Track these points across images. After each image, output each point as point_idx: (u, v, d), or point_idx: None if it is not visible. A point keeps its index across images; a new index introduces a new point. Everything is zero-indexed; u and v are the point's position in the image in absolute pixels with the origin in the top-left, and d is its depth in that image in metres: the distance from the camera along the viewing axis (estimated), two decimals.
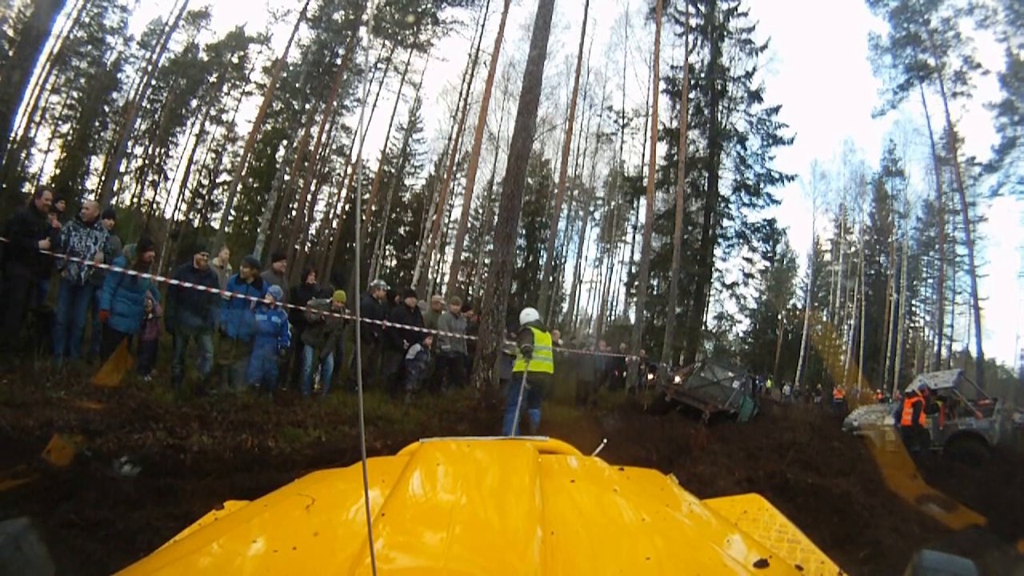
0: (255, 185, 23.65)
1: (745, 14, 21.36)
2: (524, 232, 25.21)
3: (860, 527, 3.96)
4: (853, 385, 21.91)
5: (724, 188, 21.57)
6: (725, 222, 21.93)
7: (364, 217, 22.76)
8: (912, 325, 27.06)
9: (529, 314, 6.49)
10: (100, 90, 23.23)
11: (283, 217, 22.32)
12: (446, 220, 25.76)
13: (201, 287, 5.84)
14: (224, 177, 25.08)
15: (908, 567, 0.86)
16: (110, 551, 2.41)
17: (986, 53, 26.61)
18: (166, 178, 24.94)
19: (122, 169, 23.05)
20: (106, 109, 23.66)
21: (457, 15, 23.91)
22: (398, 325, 7.39)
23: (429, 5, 23.75)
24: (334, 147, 25.82)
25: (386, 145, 25.88)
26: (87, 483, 3.10)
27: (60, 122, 23.06)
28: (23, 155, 21.57)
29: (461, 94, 24.01)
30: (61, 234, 5.40)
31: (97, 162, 23.60)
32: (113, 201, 21.39)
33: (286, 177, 21.88)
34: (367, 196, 23.25)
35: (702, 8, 21.23)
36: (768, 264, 23.80)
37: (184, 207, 24.97)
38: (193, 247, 6.90)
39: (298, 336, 6.75)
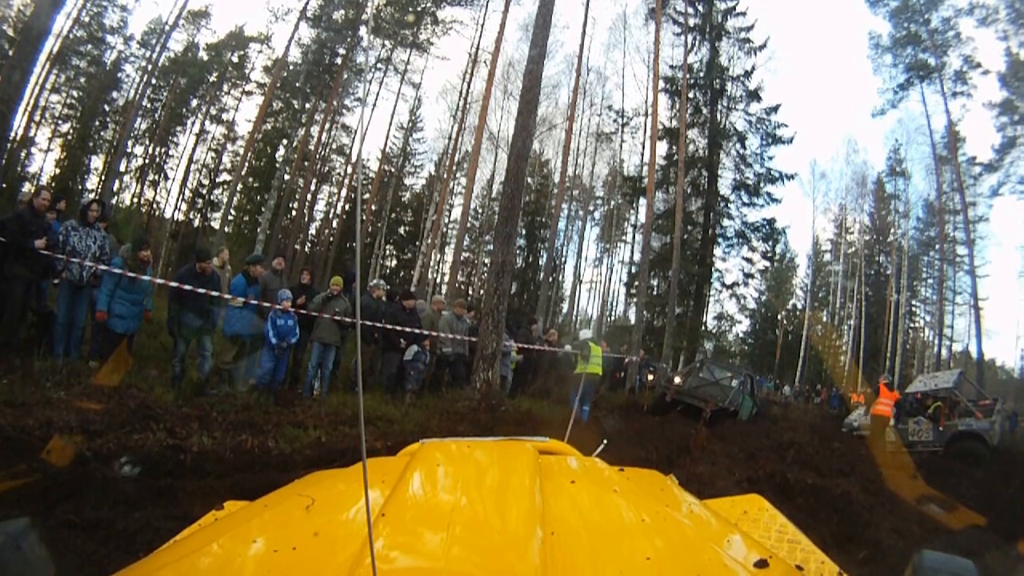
0: (255, 185, 23.64)
1: (743, 13, 21.35)
2: (524, 232, 25.20)
3: (860, 527, 3.96)
4: (856, 387, 21.80)
5: (724, 187, 21.54)
6: (725, 222, 21.89)
7: (364, 217, 22.76)
8: (912, 325, 27.05)
9: (586, 333, 9.41)
10: (100, 89, 23.23)
11: (283, 217, 22.32)
12: (446, 220, 25.79)
13: (202, 290, 5.84)
14: (224, 177, 25.08)
15: (908, 567, 0.86)
16: (110, 551, 2.41)
17: (986, 53, 26.60)
18: (166, 178, 24.96)
19: (122, 169, 23.05)
20: (106, 108, 23.66)
21: (457, 15, 23.95)
22: (393, 327, 7.37)
23: (429, 5, 23.75)
24: (334, 147, 25.84)
25: (386, 145, 25.91)
26: (87, 483, 3.09)
27: (60, 122, 23.07)
28: (23, 155, 21.57)
29: (461, 94, 24.02)
30: (59, 234, 5.40)
31: (97, 162, 23.64)
32: (113, 201, 21.39)
33: (286, 177, 21.89)
34: (367, 196, 23.24)
35: (700, 8, 21.23)
36: (768, 264, 23.76)
37: (184, 207, 24.99)
38: (193, 247, 6.90)
39: (303, 337, 6.74)
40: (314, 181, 24.90)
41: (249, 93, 25.32)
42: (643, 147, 22.66)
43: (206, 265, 6.02)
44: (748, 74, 21.34)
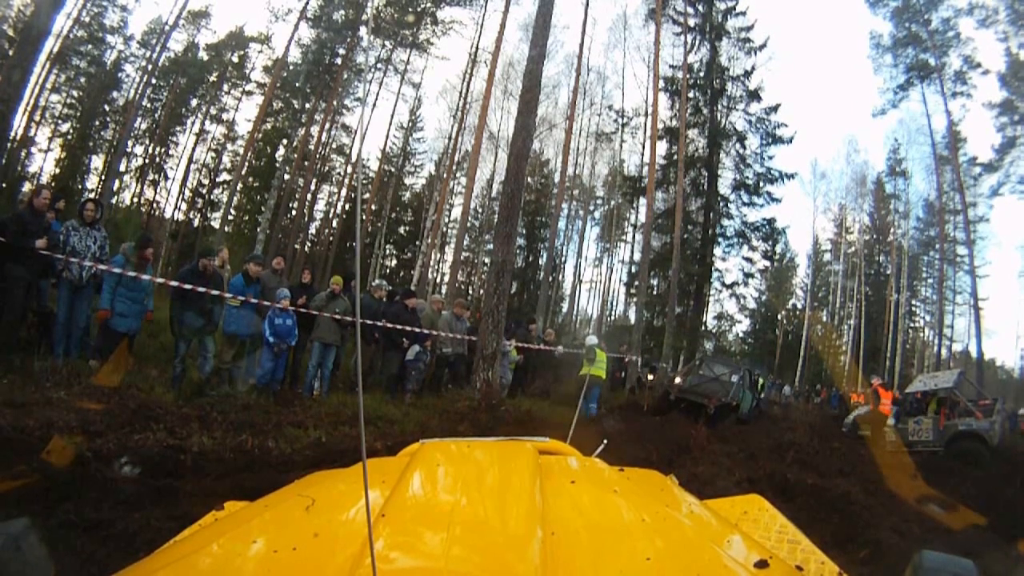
0: (255, 184, 23.61)
1: (743, 13, 21.36)
2: (524, 232, 25.19)
3: (860, 527, 3.95)
4: (856, 387, 21.77)
5: (724, 187, 21.54)
6: (725, 221, 21.90)
7: (364, 217, 22.75)
8: (912, 325, 27.03)
9: (592, 338, 9.78)
10: (100, 89, 23.21)
11: (283, 216, 22.31)
12: (446, 219, 25.79)
13: (202, 289, 5.84)
14: (224, 176, 25.06)
15: (908, 567, 0.86)
16: (110, 551, 2.41)
17: (986, 53, 26.55)
18: (166, 177, 24.94)
19: (122, 168, 23.04)
20: (106, 108, 23.63)
21: (457, 15, 23.95)
22: (394, 325, 7.37)
23: (429, 5, 23.74)
24: (334, 146, 25.84)
25: (386, 144, 25.90)
26: (87, 484, 3.09)
27: (60, 121, 23.05)
28: (23, 154, 21.56)
29: (461, 93, 24.03)
30: (60, 234, 5.40)
31: (97, 161, 23.61)
32: (113, 200, 21.39)
33: (286, 176, 21.88)
34: (367, 196, 23.23)
35: (700, 8, 21.22)
36: (768, 264, 23.76)
37: (184, 206, 24.98)
38: (193, 247, 6.94)
39: (303, 337, 6.76)
40: (314, 181, 24.90)
41: (249, 93, 25.32)
42: (643, 147, 22.68)
43: (208, 262, 6.02)
44: (748, 74, 21.36)
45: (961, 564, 0.83)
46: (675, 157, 20.26)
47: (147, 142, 24.12)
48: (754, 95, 21.30)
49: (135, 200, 24.25)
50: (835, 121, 63.44)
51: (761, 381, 12.44)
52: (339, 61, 22.54)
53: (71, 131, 23.15)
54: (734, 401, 10.41)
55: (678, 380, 12.07)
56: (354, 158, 24.93)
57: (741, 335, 29.90)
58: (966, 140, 22.74)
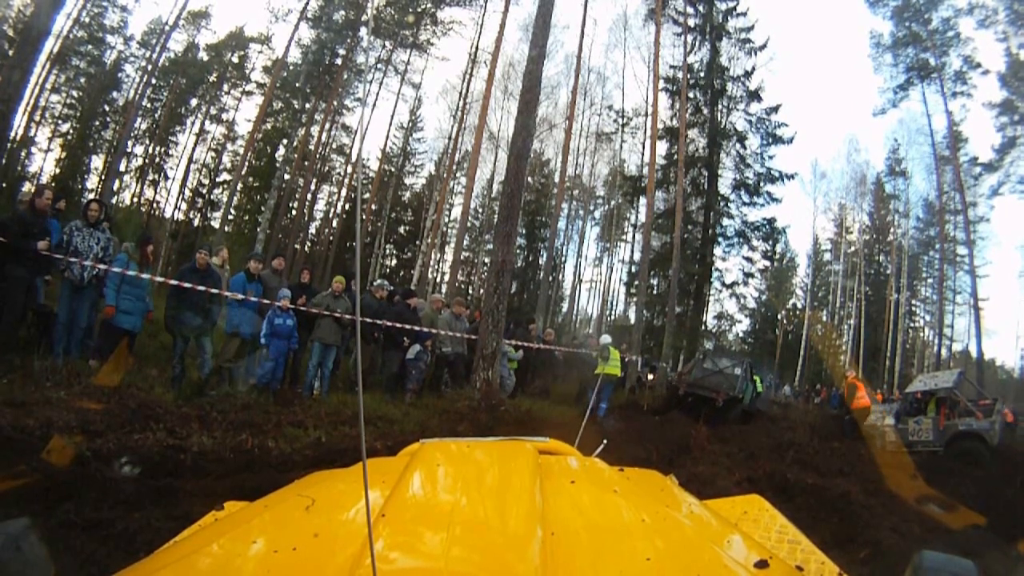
0: (255, 184, 23.61)
1: (744, 14, 21.33)
2: (524, 232, 25.19)
3: (860, 527, 3.96)
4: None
5: (724, 187, 21.50)
6: (725, 221, 21.85)
7: (364, 217, 22.75)
8: (912, 325, 27.03)
9: (606, 338, 9.93)
10: (100, 89, 23.21)
11: (283, 216, 22.31)
12: (446, 219, 25.79)
13: (201, 287, 5.84)
14: (224, 176, 25.06)
15: (908, 567, 0.86)
16: (110, 551, 2.41)
17: (986, 53, 26.53)
18: (166, 177, 24.94)
19: (122, 168, 23.04)
20: (106, 108, 23.63)
21: (457, 15, 23.95)
22: (399, 324, 7.38)
23: (429, 6, 23.75)
24: (334, 146, 25.83)
25: (386, 144, 25.89)
26: (87, 483, 3.09)
27: (60, 121, 23.06)
28: (23, 154, 21.56)
29: (461, 93, 24.04)
30: (64, 233, 5.39)
31: (97, 161, 23.60)
32: (113, 200, 21.39)
33: (286, 176, 21.87)
34: (367, 195, 23.23)
35: (700, 8, 21.22)
36: (768, 264, 23.75)
37: (184, 206, 24.98)
38: (193, 247, 6.92)
39: (303, 337, 6.76)
40: (314, 181, 24.90)
41: (249, 93, 25.31)
42: (643, 147, 22.69)
43: (203, 254, 6.03)
44: (748, 74, 21.33)
45: (961, 564, 0.83)
46: (675, 157, 20.24)
47: (147, 142, 24.13)
48: (754, 95, 21.28)
49: (135, 200, 24.26)
50: (835, 121, 63.38)
51: (758, 377, 12.58)
52: (339, 61, 22.53)
53: (71, 131, 23.15)
54: (740, 394, 10.64)
55: (679, 378, 12.19)
56: (354, 158, 24.95)
57: (741, 335, 29.86)
58: (966, 140, 22.76)
